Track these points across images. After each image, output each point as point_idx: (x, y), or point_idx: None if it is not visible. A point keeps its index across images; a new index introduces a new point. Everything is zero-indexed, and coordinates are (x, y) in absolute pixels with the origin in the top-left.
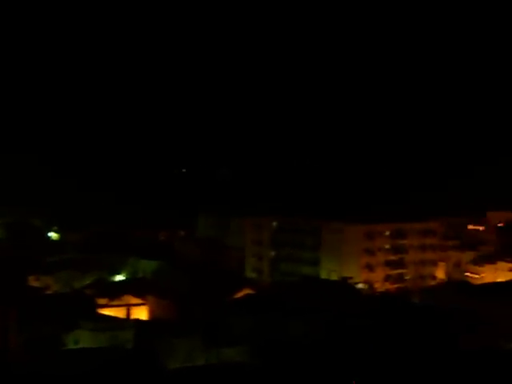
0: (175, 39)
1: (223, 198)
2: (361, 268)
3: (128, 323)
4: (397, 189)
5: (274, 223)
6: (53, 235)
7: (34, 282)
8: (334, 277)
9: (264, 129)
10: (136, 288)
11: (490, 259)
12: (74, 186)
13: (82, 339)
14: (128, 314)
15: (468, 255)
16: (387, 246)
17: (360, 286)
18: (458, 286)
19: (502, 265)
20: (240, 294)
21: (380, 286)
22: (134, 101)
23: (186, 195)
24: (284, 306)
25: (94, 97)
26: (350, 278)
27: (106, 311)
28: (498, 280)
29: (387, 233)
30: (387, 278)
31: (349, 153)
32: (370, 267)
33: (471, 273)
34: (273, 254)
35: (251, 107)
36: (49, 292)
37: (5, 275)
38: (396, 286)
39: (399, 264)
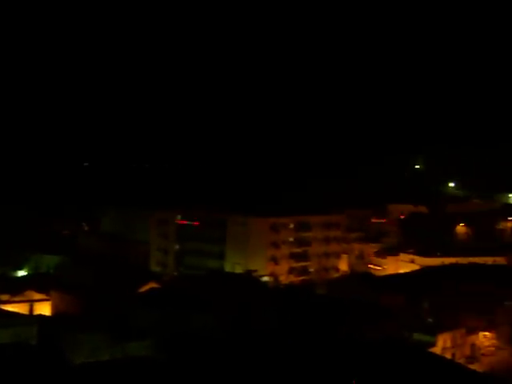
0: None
1: (128, 191)
2: (266, 261)
3: (31, 319)
4: (299, 183)
5: (179, 216)
6: None
7: None
8: (239, 270)
9: (167, 124)
10: (39, 283)
11: (392, 251)
12: None
13: None
14: (31, 309)
15: (371, 247)
16: (291, 239)
17: (265, 278)
18: (360, 278)
19: (403, 256)
20: (145, 288)
21: (285, 279)
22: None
23: (89, 189)
24: (189, 299)
25: None
26: (255, 270)
27: (9, 307)
28: (400, 271)
29: (291, 225)
30: (292, 271)
31: (250, 148)
32: (274, 260)
33: (374, 264)
34: (177, 247)
35: (149, 103)
36: None
37: None
38: (300, 278)
39: (303, 256)
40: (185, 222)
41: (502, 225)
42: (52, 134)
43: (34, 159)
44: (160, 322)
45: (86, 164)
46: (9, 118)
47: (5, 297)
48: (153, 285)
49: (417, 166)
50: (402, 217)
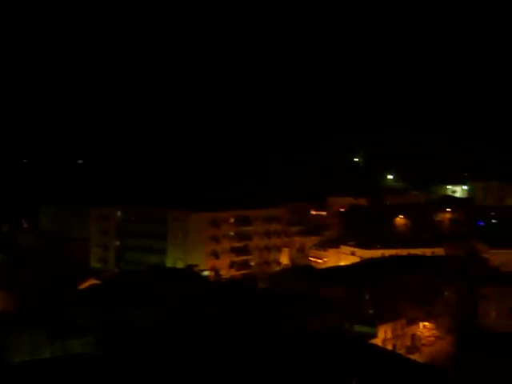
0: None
1: (66, 188)
2: (206, 255)
3: None
4: (239, 178)
5: (119, 213)
6: None
7: None
8: (180, 265)
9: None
10: None
11: (332, 243)
12: None
13: None
14: None
15: (311, 240)
16: (232, 233)
17: (206, 273)
18: (301, 271)
19: (344, 248)
20: (85, 285)
21: (226, 273)
22: None
23: (29, 186)
24: (130, 295)
25: None
26: (196, 265)
27: None
28: (341, 263)
29: (232, 220)
30: (233, 265)
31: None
32: (215, 254)
33: (315, 257)
34: (118, 243)
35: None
36: None
37: None
38: (242, 272)
39: (244, 250)
40: (125, 218)
41: (439, 216)
42: None
43: None
44: (100, 319)
45: (24, 161)
46: None
47: None
48: (93, 281)
49: (355, 159)
50: (342, 209)
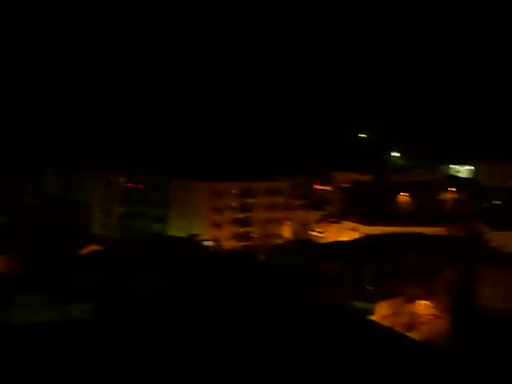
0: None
1: (70, 151)
2: (208, 225)
3: None
4: (243, 148)
5: (122, 179)
6: None
7: None
8: (182, 234)
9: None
10: None
11: (335, 218)
12: None
13: None
14: None
15: (314, 214)
16: (235, 204)
17: (207, 243)
18: (303, 245)
19: (346, 224)
20: (86, 250)
21: (227, 244)
22: None
23: (34, 148)
24: (131, 262)
25: None
26: (198, 235)
27: None
28: (343, 239)
29: (235, 191)
30: (234, 236)
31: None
32: (217, 225)
33: (317, 232)
34: (121, 210)
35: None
36: None
37: None
38: (243, 243)
39: (246, 222)
40: (129, 185)
41: (443, 196)
42: None
43: None
44: (100, 285)
45: (30, 121)
46: None
47: None
48: (94, 247)
49: (361, 135)
50: (346, 185)
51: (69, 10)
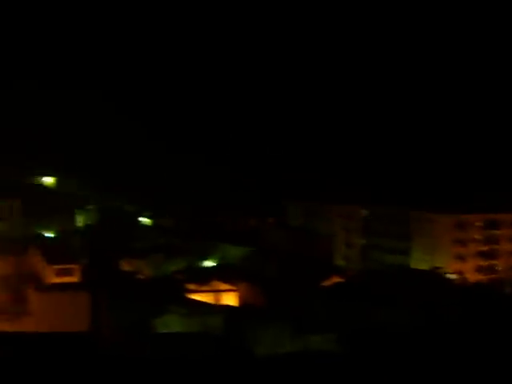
0: None
1: (311, 184)
2: (451, 258)
3: (217, 309)
4: (487, 179)
5: (364, 211)
6: (144, 220)
7: (125, 265)
8: (424, 266)
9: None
10: (225, 274)
11: None
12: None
13: (172, 324)
14: (217, 299)
15: None
16: (479, 237)
17: (451, 276)
18: None
19: None
20: (329, 282)
21: (471, 277)
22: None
23: (276, 182)
24: (373, 294)
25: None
26: (441, 267)
27: (196, 296)
28: None
29: (479, 223)
30: (479, 269)
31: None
32: (461, 257)
33: None
34: (363, 242)
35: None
36: (140, 276)
37: (97, 258)
38: (488, 276)
39: (491, 255)
40: (370, 217)
41: None
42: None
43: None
44: (343, 316)
45: (272, 156)
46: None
47: (192, 286)
48: (337, 279)
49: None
50: None
51: None
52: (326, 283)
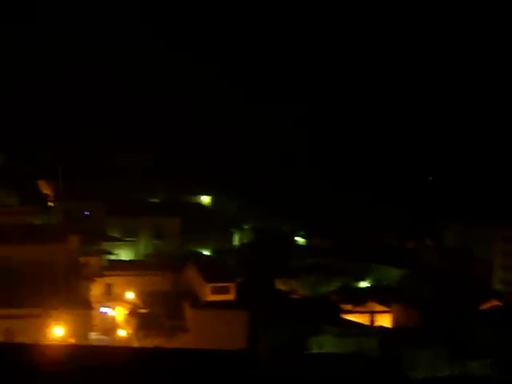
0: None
1: (469, 206)
2: None
3: (372, 330)
4: None
5: None
6: (299, 240)
7: (280, 285)
8: None
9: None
10: (380, 295)
11: None
12: (323, 189)
13: (326, 344)
14: (372, 320)
15: None
16: None
17: None
18: None
19: None
20: (486, 306)
21: None
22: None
23: (433, 204)
24: None
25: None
26: None
27: (351, 317)
28: None
29: None
30: None
31: None
32: None
33: None
34: None
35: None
36: (295, 296)
37: (254, 278)
38: None
39: None
40: None
41: None
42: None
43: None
44: (501, 342)
45: (430, 178)
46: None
47: (348, 307)
48: (495, 302)
49: None
50: None
51: None
52: (484, 307)
